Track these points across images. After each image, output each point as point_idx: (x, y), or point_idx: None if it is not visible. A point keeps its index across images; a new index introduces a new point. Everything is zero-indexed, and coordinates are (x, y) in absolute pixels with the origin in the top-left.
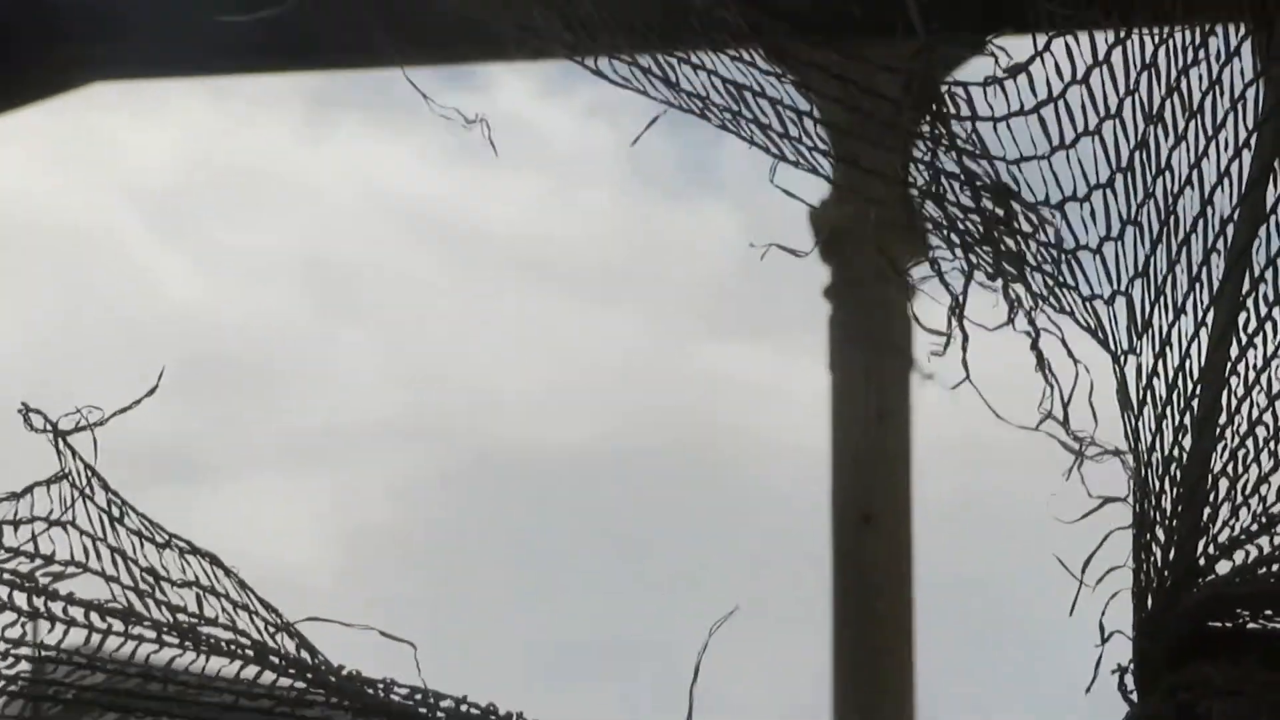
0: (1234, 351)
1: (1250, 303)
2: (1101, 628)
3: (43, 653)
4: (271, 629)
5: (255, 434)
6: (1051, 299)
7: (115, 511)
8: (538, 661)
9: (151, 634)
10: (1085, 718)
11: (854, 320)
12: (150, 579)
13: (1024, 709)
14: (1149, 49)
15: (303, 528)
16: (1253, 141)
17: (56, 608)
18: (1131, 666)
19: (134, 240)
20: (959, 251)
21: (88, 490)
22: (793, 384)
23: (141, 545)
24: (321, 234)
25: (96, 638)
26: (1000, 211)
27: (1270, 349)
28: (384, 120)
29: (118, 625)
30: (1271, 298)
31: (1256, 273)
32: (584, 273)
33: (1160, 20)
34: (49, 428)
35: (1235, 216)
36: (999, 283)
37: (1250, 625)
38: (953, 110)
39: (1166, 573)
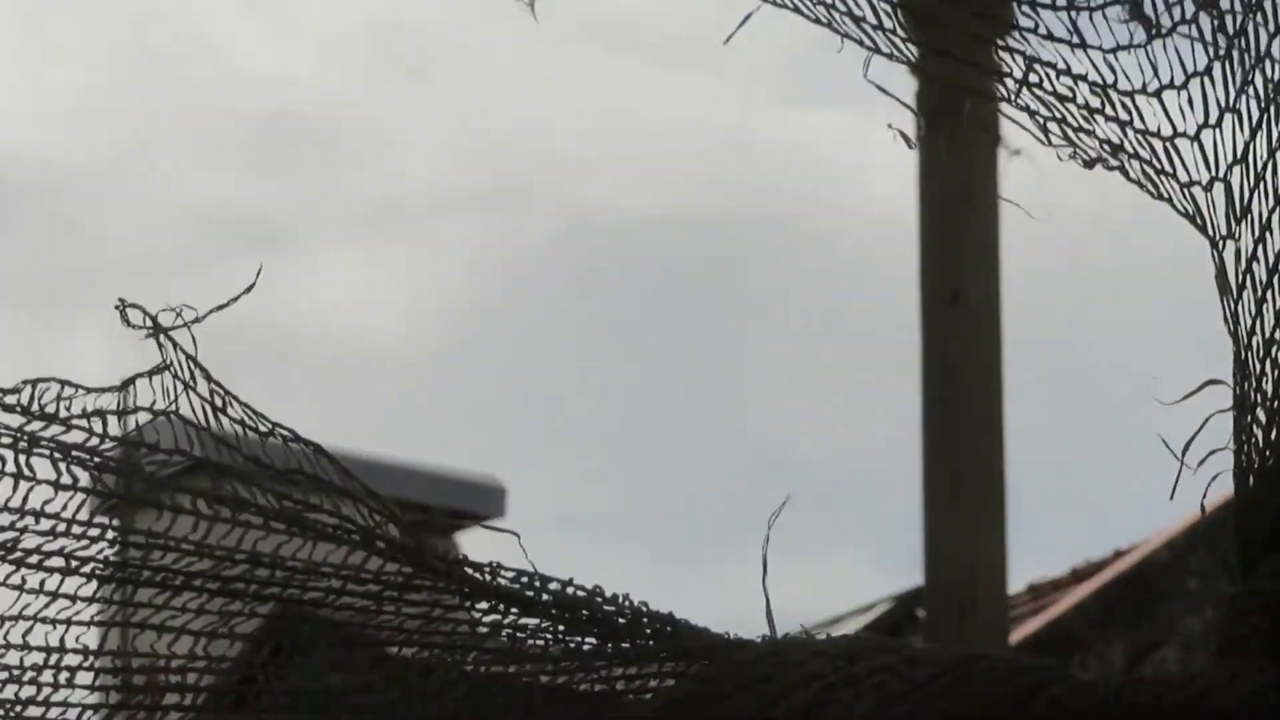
0: None
1: None
2: (1203, 508)
3: (151, 540)
4: (376, 515)
5: (332, 204)
6: (1149, 186)
7: (219, 402)
8: (614, 437)
9: (258, 520)
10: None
11: (941, 96)
12: (255, 467)
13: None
14: None
15: (382, 301)
16: None
17: (165, 496)
18: (1235, 546)
19: (204, 5)
20: (1056, 139)
21: (191, 382)
22: (880, 157)
23: (245, 435)
24: (396, 6)
25: (204, 525)
26: (1098, 100)
27: None
28: None
29: (225, 512)
30: None
31: None
32: (664, 39)
33: None
34: (148, 324)
35: None
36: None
37: None
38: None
39: (1268, 453)
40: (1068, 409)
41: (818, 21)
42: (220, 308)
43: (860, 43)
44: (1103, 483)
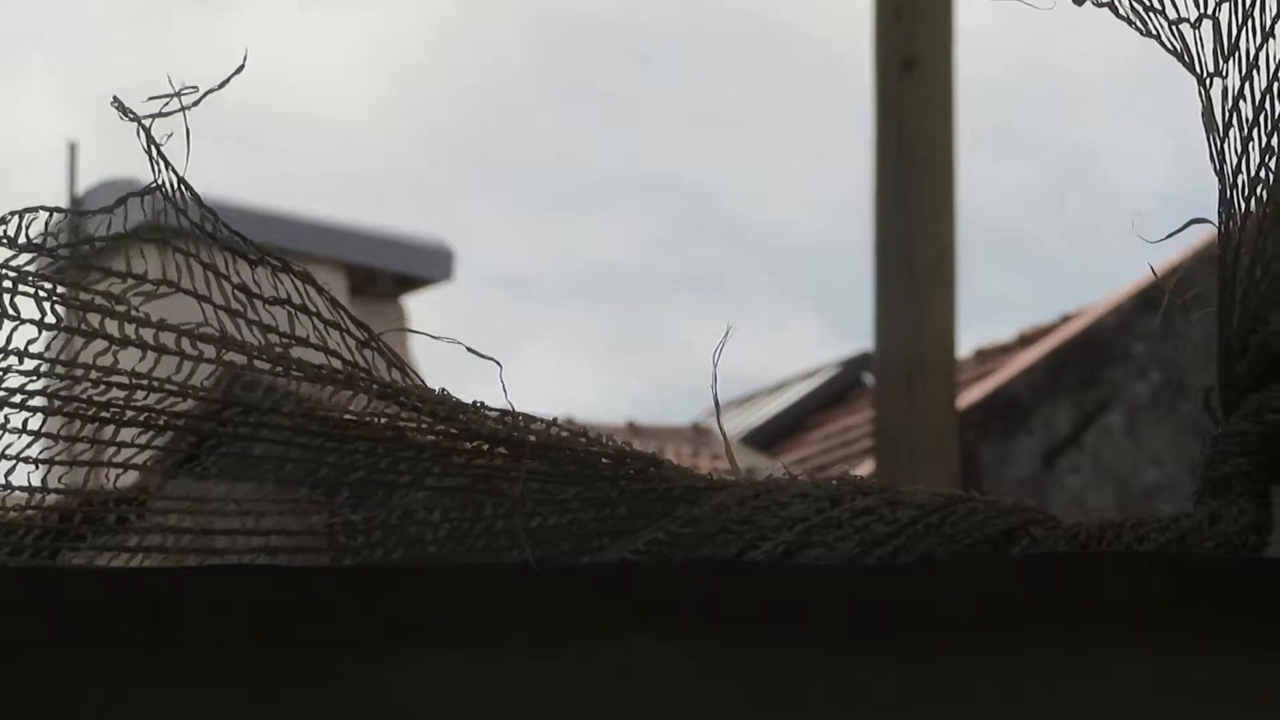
0: None
1: None
2: (1153, 271)
3: (134, 380)
4: (362, 346)
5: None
6: (1138, 23)
7: (208, 226)
8: (559, 195)
9: (242, 359)
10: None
11: None
12: (243, 296)
13: (1069, 251)
14: None
15: (322, 57)
16: None
17: (148, 334)
18: (1216, 386)
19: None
20: None
21: (180, 203)
22: None
23: (234, 261)
24: None
25: (187, 365)
26: None
27: None
28: None
29: (209, 351)
30: None
31: None
32: None
33: None
34: (140, 130)
35: None
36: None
37: None
38: None
39: (1251, 291)
40: (1017, 173)
41: None
42: (213, 90)
43: None
44: (1050, 246)
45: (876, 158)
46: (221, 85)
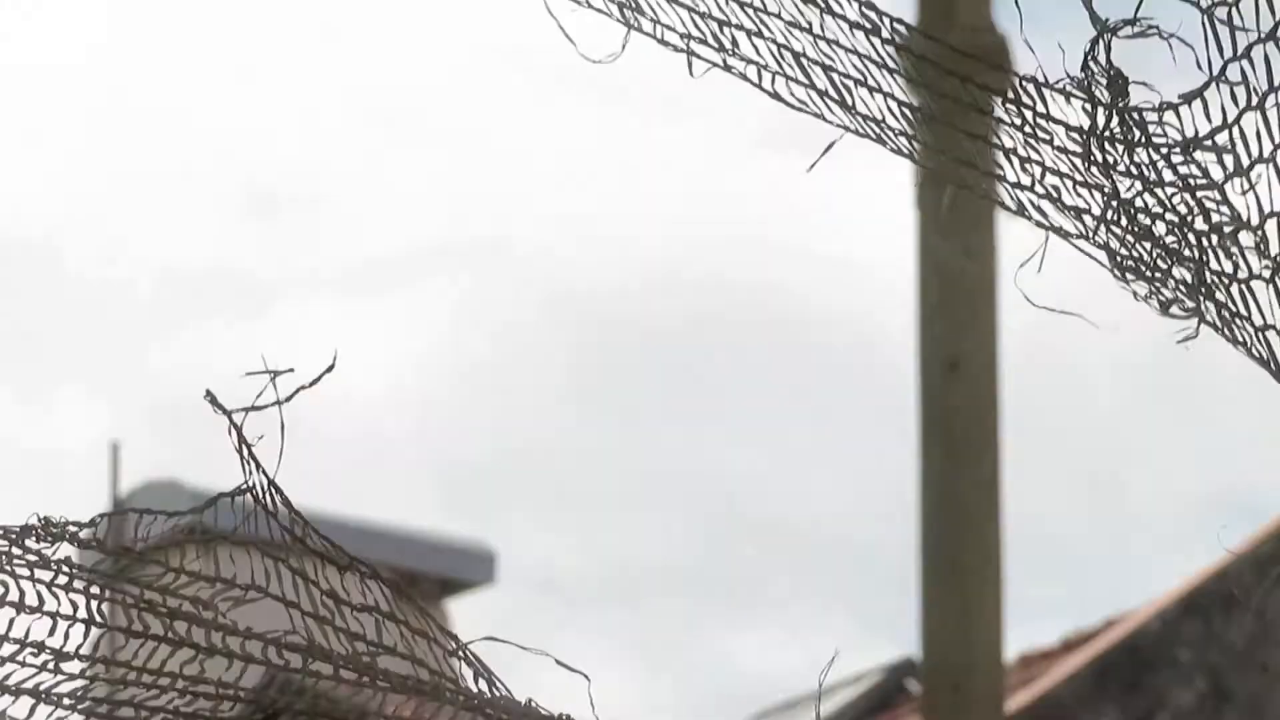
0: None
1: None
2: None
3: (221, 690)
4: (449, 654)
5: (313, 262)
6: (1224, 330)
7: (298, 530)
8: (600, 499)
9: (329, 669)
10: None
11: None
12: (330, 604)
13: (1108, 554)
14: None
15: (365, 355)
16: None
17: (235, 643)
18: None
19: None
20: (1131, 277)
21: (271, 507)
22: (875, 208)
23: (323, 567)
24: (380, 55)
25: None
26: (1174, 239)
27: None
28: None
29: (295, 661)
30: None
31: None
32: (647, 89)
33: None
34: (232, 432)
35: None
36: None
37: None
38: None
39: None
40: (1059, 473)
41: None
42: (304, 388)
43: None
44: (1095, 551)
45: (921, 458)
46: (313, 383)
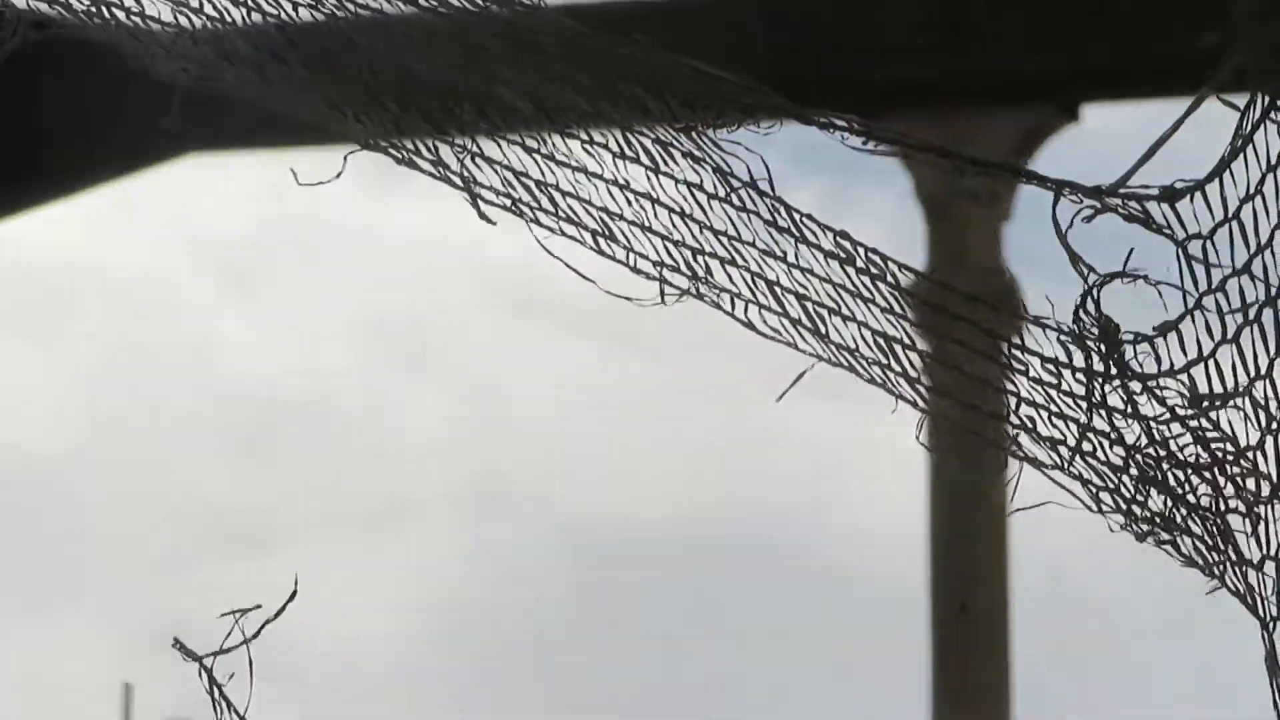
0: None
1: None
2: None
3: None
4: None
5: (321, 500)
6: (1201, 563)
7: None
8: None
9: None
10: None
11: (952, 396)
12: None
13: None
14: None
15: (374, 598)
16: None
17: None
18: None
19: (200, 299)
20: (1108, 508)
21: None
22: (880, 451)
23: None
24: (390, 294)
25: None
26: (1152, 471)
27: None
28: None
29: None
30: None
31: None
32: (657, 333)
33: None
34: (202, 673)
35: None
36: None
37: None
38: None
39: None
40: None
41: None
42: (268, 622)
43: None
44: None
45: (932, 708)
46: (275, 616)
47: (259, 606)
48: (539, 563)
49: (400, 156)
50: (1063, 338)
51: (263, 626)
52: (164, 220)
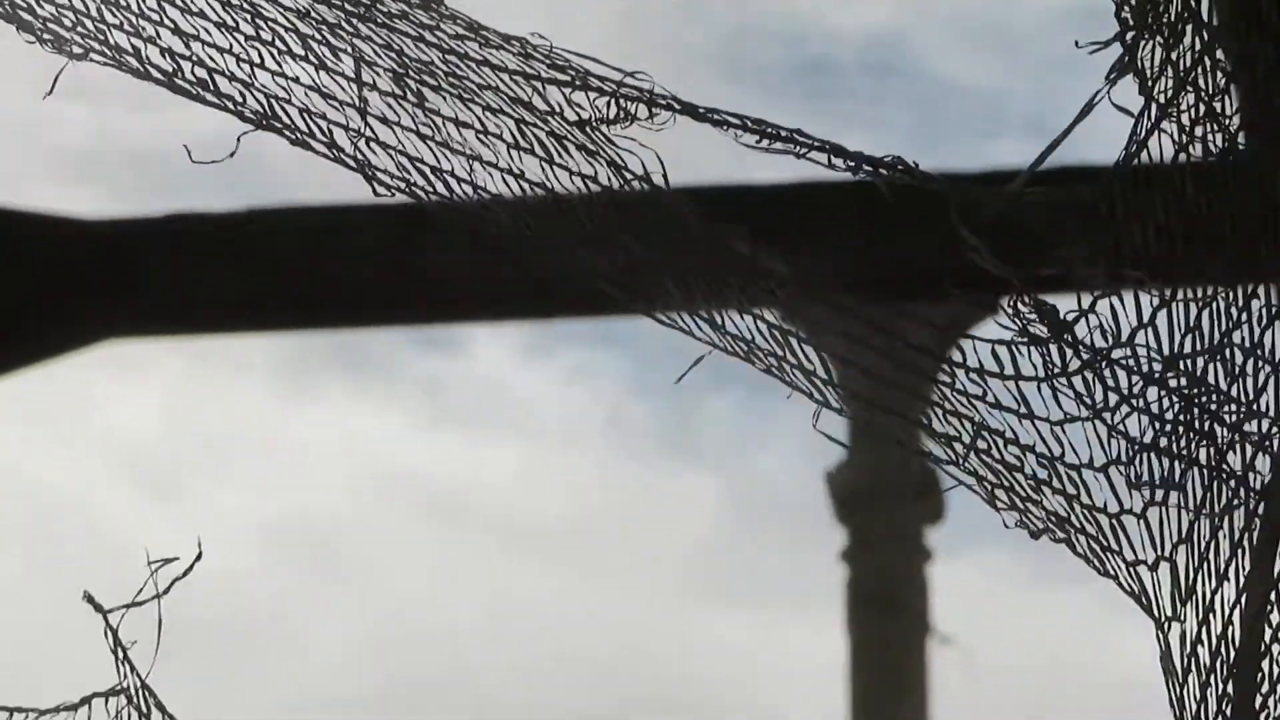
0: (1275, 619)
1: None
2: None
3: None
4: None
5: (234, 707)
6: (1095, 562)
7: None
8: None
9: None
10: None
11: (869, 583)
12: None
13: None
14: (1192, 311)
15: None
16: None
17: None
18: None
19: (111, 503)
20: (1003, 504)
21: (143, 707)
22: (790, 650)
23: None
24: (298, 497)
25: None
26: (1045, 472)
27: None
28: (362, 384)
29: None
30: None
31: None
32: (569, 541)
33: (1201, 281)
34: (108, 633)
35: (1273, 482)
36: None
37: None
38: (996, 370)
39: None
40: None
41: (768, 372)
42: (181, 578)
43: (809, 396)
44: None
45: None
46: (185, 573)
47: (176, 558)
48: None
49: (294, 138)
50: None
51: (172, 584)
52: (74, 419)
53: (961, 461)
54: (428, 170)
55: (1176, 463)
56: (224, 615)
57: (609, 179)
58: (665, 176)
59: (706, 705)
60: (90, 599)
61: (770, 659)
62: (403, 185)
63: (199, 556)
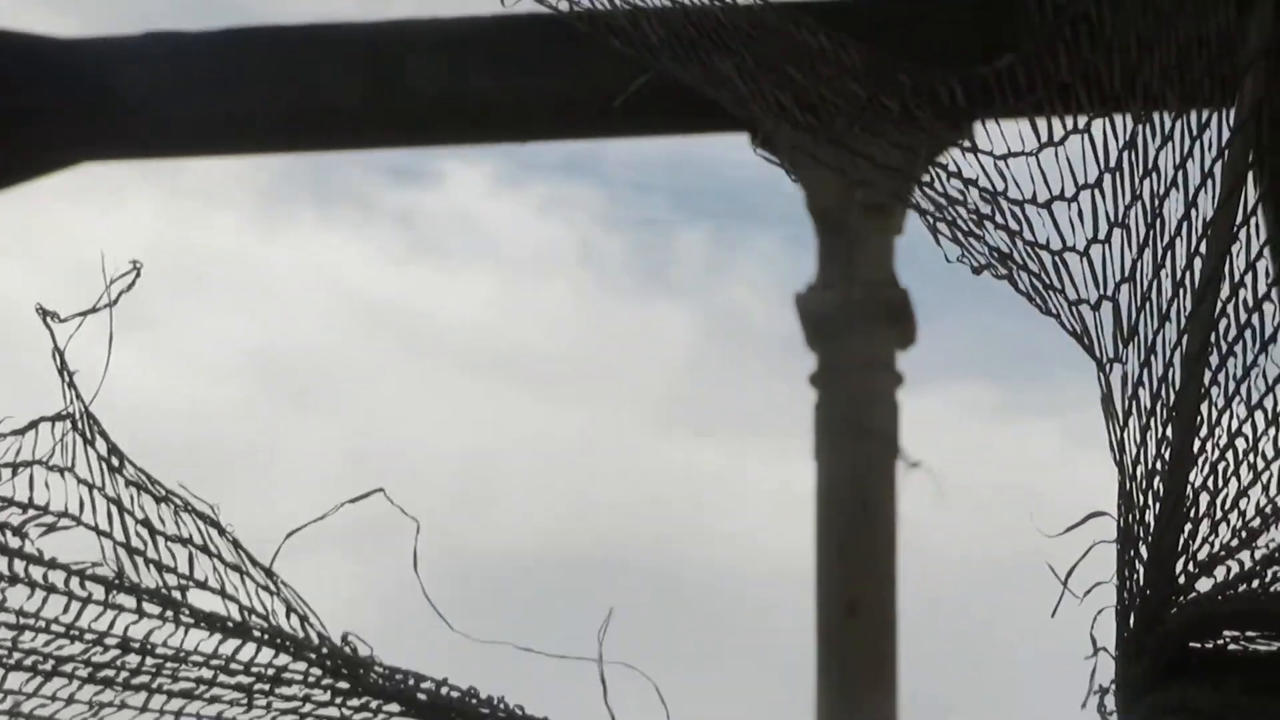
0: (1214, 360)
1: (1231, 308)
2: (1093, 640)
3: (21, 620)
4: (261, 589)
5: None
6: (1038, 300)
7: (114, 461)
8: None
9: (131, 603)
10: None
11: (839, 408)
12: (144, 533)
13: None
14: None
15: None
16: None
17: (37, 573)
18: (1114, 687)
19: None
20: (947, 240)
21: (88, 434)
22: (760, 478)
23: (138, 497)
24: (274, 328)
25: (75, 606)
26: (988, 207)
27: (1250, 357)
28: (334, 216)
29: (99, 593)
30: (1251, 303)
31: (1236, 277)
32: (543, 371)
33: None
34: (55, 356)
35: (1215, 220)
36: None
37: (1232, 647)
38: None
39: (1149, 590)
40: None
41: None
42: (119, 297)
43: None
44: None
45: (818, 705)
46: (129, 288)
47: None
48: (428, 591)
49: None
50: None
51: (118, 298)
52: (49, 244)
53: (904, 195)
54: None
55: (1120, 199)
56: (198, 443)
57: None
58: None
59: (678, 534)
60: (41, 310)
61: (742, 486)
62: None
63: (137, 275)
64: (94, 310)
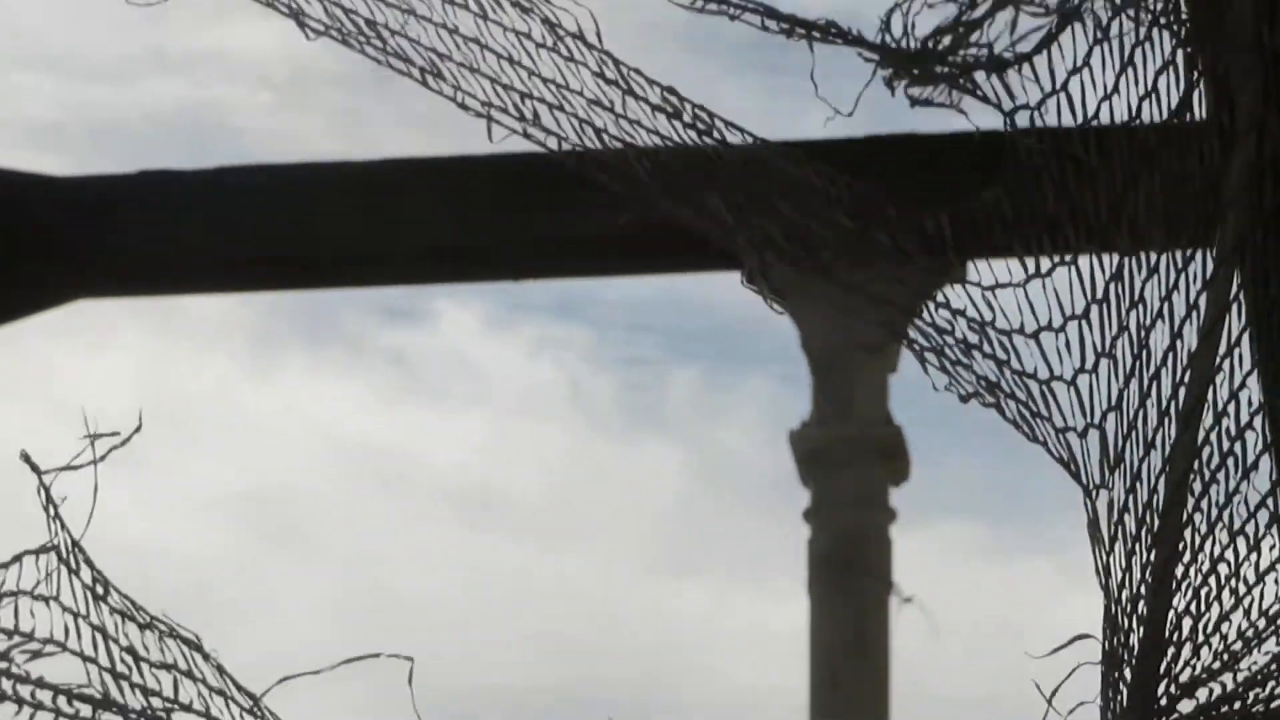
0: (1198, 487)
1: (1214, 437)
2: None
3: None
4: (247, 713)
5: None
6: (1025, 428)
7: (99, 589)
8: None
9: None
10: None
11: (832, 544)
12: (129, 659)
13: None
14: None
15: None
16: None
17: (25, 691)
18: None
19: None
20: (935, 369)
21: (73, 564)
22: (750, 618)
23: (123, 624)
24: (263, 469)
25: None
26: (976, 337)
27: (1232, 484)
28: (326, 356)
29: (86, 711)
30: (1234, 432)
31: (1220, 407)
32: (534, 512)
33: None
34: (40, 491)
35: (1200, 351)
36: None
37: None
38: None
39: (1132, 712)
40: None
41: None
42: (111, 450)
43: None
44: None
45: None
46: (124, 442)
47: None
48: None
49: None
50: None
51: (110, 451)
52: (39, 382)
53: (894, 326)
54: (361, 22)
55: (1107, 330)
56: (186, 583)
57: (543, 35)
58: (599, 35)
59: (670, 674)
60: (26, 457)
61: (734, 625)
62: (339, 36)
63: (138, 428)
64: (75, 467)
